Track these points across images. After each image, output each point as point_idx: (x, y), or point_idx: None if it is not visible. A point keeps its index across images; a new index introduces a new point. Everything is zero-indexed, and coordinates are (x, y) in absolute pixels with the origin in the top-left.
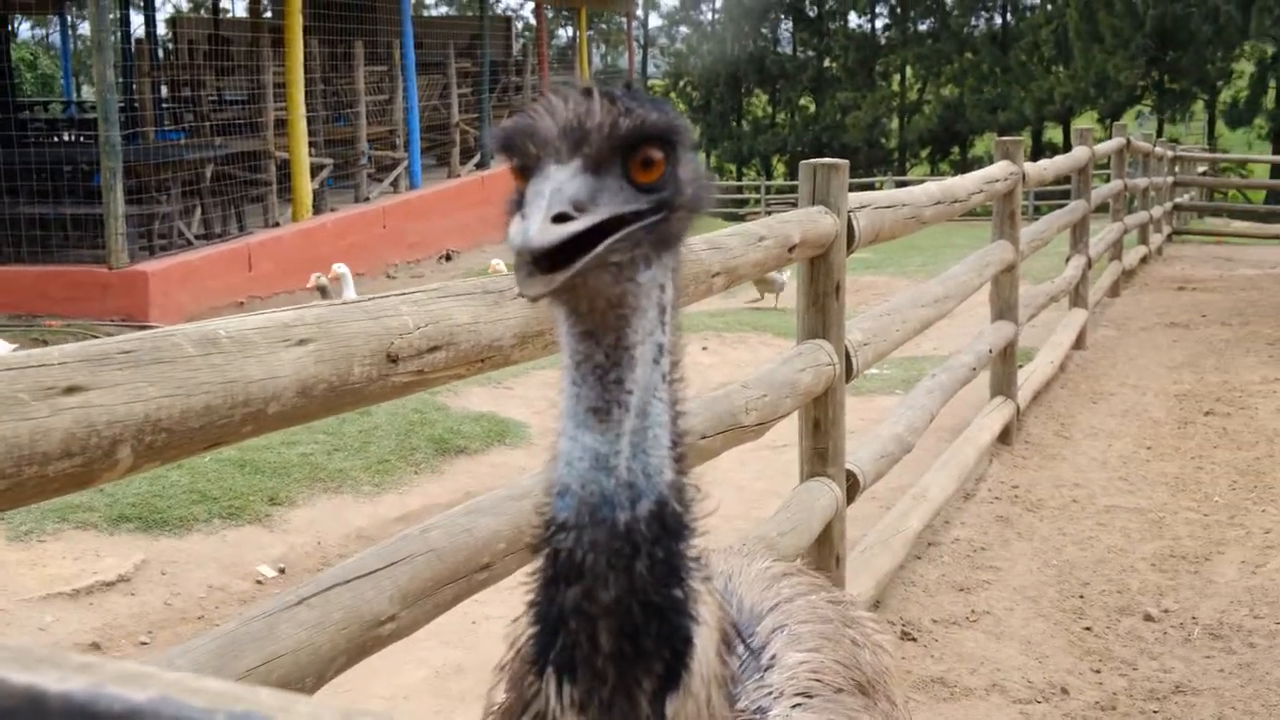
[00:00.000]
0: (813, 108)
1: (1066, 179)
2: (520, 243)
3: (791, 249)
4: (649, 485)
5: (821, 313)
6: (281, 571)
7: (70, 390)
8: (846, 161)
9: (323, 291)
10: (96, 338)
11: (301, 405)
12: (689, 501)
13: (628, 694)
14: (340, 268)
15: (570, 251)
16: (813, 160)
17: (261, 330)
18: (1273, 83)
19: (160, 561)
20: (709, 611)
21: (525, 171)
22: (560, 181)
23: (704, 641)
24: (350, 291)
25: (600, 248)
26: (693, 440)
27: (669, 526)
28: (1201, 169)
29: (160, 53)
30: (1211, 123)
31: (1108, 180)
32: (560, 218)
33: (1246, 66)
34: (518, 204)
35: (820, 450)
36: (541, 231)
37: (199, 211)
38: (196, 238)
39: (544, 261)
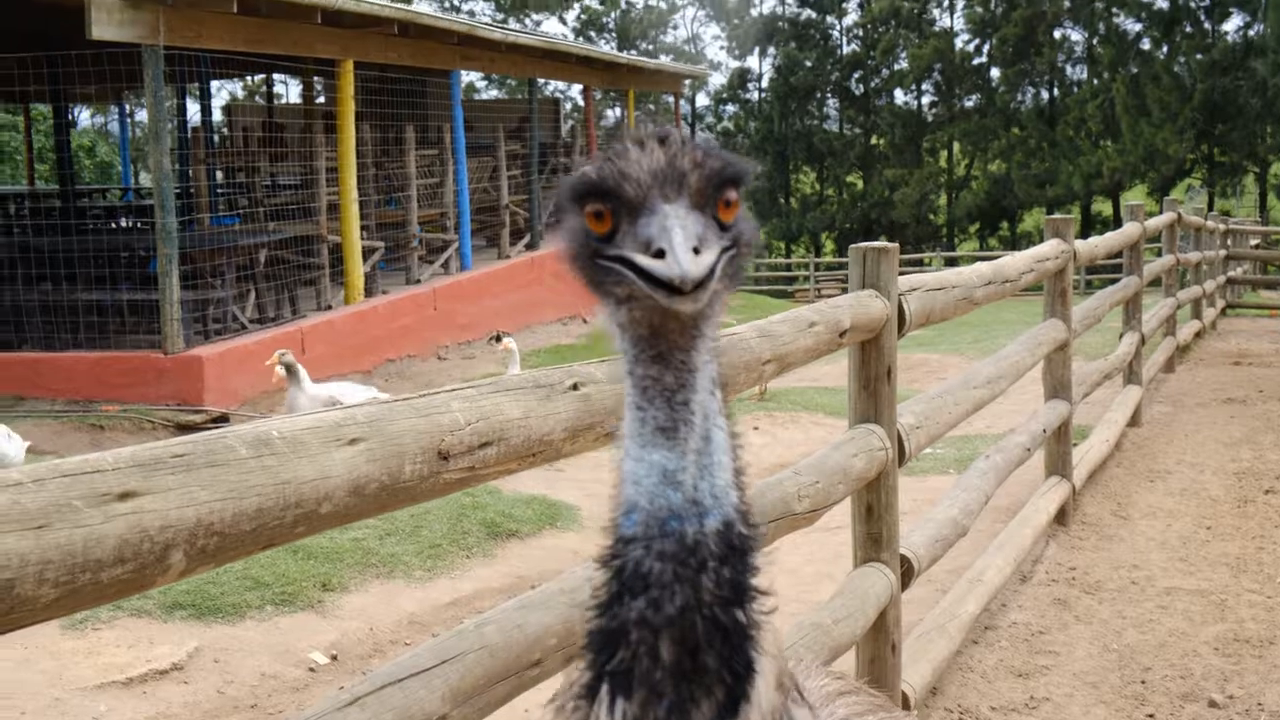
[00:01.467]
0: (861, 184)
1: (1118, 254)
2: (679, 274)
3: (843, 334)
4: (715, 504)
5: (873, 397)
6: (334, 659)
7: (124, 496)
8: (896, 245)
9: (288, 370)
10: (152, 422)
11: (354, 505)
12: (755, 528)
13: (684, 715)
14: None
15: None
16: (862, 244)
17: (313, 430)
18: None
19: (214, 649)
20: (772, 642)
21: (614, 214)
22: (682, 218)
23: (766, 671)
24: (307, 383)
25: (716, 272)
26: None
27: (735, 547)
28: (1254, 242)
29: (215, 139)
30: (1263, 195)
31: (1159, 254)
32: (694, 251)
33: None
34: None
35: (874, 535)
36: (694, 263)
37: (253, 296)
38: (250, 322)
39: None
